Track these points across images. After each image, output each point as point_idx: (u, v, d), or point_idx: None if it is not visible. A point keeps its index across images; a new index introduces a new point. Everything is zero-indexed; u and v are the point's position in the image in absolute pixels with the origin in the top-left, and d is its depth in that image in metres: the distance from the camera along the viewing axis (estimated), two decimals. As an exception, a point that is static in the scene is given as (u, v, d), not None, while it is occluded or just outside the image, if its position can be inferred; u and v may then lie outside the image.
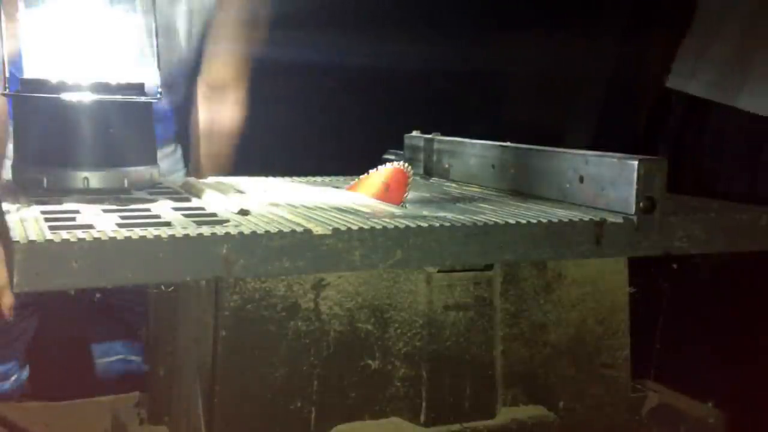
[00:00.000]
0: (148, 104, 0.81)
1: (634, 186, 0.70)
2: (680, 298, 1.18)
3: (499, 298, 0.75)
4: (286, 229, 0.61)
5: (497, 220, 0.67)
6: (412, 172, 0.83)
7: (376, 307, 0.71)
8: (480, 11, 1.83)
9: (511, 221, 0.67)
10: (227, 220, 0.64)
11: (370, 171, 0.86)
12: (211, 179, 0.94)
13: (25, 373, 1.35)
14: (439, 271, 0.72)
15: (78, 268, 0.55)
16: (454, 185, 0.96)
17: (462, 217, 0.68)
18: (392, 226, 0.63)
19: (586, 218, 0.70)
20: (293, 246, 0.60)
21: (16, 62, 0.81)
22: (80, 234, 0.56)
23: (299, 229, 0.61)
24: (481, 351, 0.74)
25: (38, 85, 0.77)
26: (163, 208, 0.72)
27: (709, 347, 1.34)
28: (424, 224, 0.64)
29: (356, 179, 0.88)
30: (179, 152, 1.44)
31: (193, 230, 0.59)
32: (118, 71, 0.80)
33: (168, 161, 1.40)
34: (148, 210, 0.70)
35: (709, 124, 1.49)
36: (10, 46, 0.79)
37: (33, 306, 1.32)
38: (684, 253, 0.74)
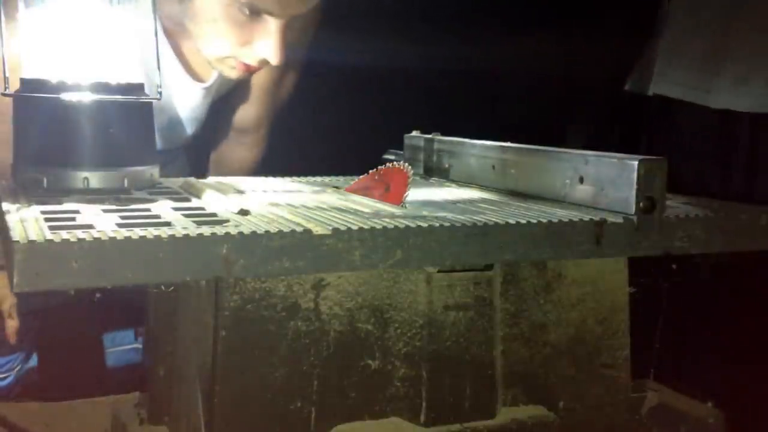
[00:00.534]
0: (148, 104, 0.81)
1: (634, 186, 0.70)
2: (680, 298, 1.18)
3: (499, 298, 0.75)
4: (286, 229, 0.61)
5: (497, 220, 0.67)
6: (412, 172, 0.83)
7: (376, 307, 0.71)
8: (480, 11, 1.83)
9: (511, 221, 0.67)
10: (227, 220, 0.64)
11: (370, 171, 0.86)
12: (211, 179, 0.94)
13: (32, 362, 1.35)
14: (439, 271, 0.72)
15: (78, 268, 0.55)
16: (454, 185, 0.96)
17: (462, 217, 0.68)
18: (392, 226, 0.63)
19: (586, 218, 0.70)
20: (293, 246, 0.60)
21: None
22: (80, 234, 0.56)
23: (299, 229, 0.61)
24: (481, 351, 0.74)
25: (38, 85, 0.77)
26: (163, 208, 0.72)
27: (709, 347, 1.34)
28: (424, 224, 0.64)
29: (356, 179, 0.88)
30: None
31: (193, 230, 0.59)
32: (118, 71, 0.80)
33: None
34: (148, 210, 0.70)
35: (673, 123, 1.51)
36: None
37: (40, 312, 1.32)
38: (684, 253, 0.74)
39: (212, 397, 0.67)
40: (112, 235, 0.57)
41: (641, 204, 0.70)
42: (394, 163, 0.84)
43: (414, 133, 1.08)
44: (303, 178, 1.00)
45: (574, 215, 0.71)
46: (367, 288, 0.71)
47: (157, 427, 0.82)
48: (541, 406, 0.77)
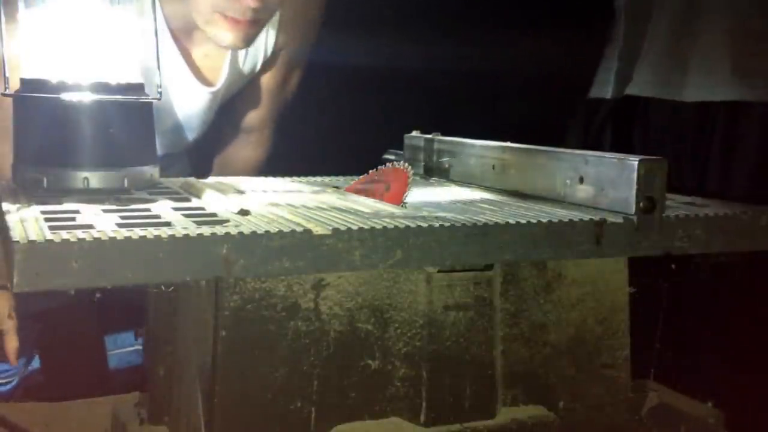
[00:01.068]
0: (148, 104, 0.81)
1: (634, 186, 0.70)
2: (680, 298, 1.18)
3: (499, 298, 0.75)
4: (286, 229, 0.61)
5: (497, 220, 0.67)
6: (412, 172, 0.83)
7: (376, 307, 0.71)
8: (481, 11, 1.83)
9: (511, 221, 0.67)
10: (227, 220, 0.64)
11: (370, 171, 0.86)
12: (211, 179, 0.94)
13: (34, 364, 1.35)
14: (439, 271, 0.72)
15: (78, 268, 0.55)
16: (454, 185, 0.96)
17: (462, 217, 0.68)
18: (392, 226, 0.63)
19: (586, 218, 0.70)
20: (293, 246, 0.60)
21: None
22: (80, 234, 0.56)
23: (299, 229, 0.61)
24: (481, 351, 0.74)
25: (38, 85, 0.77)
26: (163, 208, 0.72)
27: (709, 347, 1.34)
28: (424, 224, 0.64)
29: (356, 179, 0.88)
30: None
31: (193, 230, 0.59)
32: (118, 71, 0.80)
33: None
34: (148, 210, 0.70)
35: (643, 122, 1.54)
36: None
37: (41, 315, 1.31)
38: (684, 253, 0.74)
39: (212, 397, 0.67)
40: (112, 235, 0.57)
41: (641, 204, 0.70)
42: (394, 163, 0.84)
43: (414, 133, 1.08)
44: (303, 178, 1.00)
45: (574, 215, 0.71)
46: (367, 288, 0.71)
47: (157, 427, 0.82)
48: (541, 406, 0.77)
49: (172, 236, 0.58)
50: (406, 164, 0.83)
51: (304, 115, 1.58)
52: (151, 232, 0.58)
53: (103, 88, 0.77)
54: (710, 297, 1.32)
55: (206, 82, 1.30)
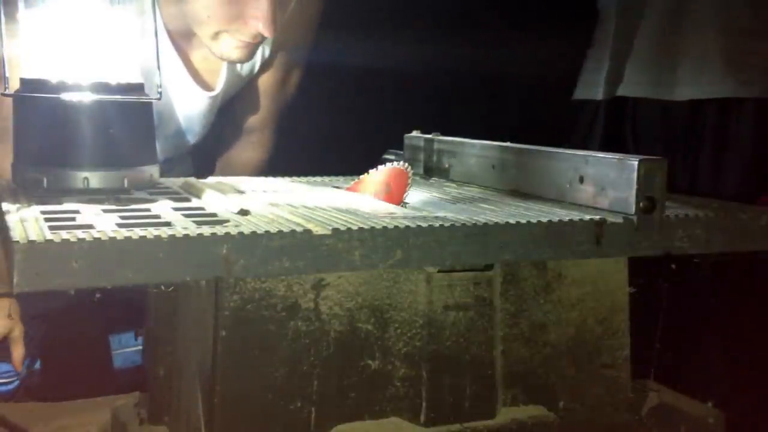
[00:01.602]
0: (148, 104, 0.81)
1: (634, 186, 0.70)
2: (680, 298, 1.18)
3: (499, 298, 0.75)
4: (286, 229, 0.61)
5: (497, 220, 0.67)
6: (412, 172, 0.83)
7: (376, 307, 0.71)
8: (481, 11, 1.83)
9: (511, 221, 0.67)
10: (227, 220, 0.64)
11: (370, 171, 0.86)
12: (211, 179, 0.94)
13: (36, 365, 1.35)
14: (439, 271, 0.72)
15: (78, 268, 0.55)
16: (454, 185, 0.96)
17: (462, 217, 0.68)
18: (392, 226, 0.63)
19: (586, 218, 0.70)
20: (293, 246, 0.60)
21: None
22: (80, 234, 0.56)
23: (299, 229, 0.61)
24: (481, 351, 0.74)
25: (38, 85, 0.77)
26: (163, 208, 0.72)
27: (709, 347, 1.34)
28: (424, 224, 0.64)
29: (356, 179, 0.88)
30: None
31: (193, 230, 0.59)
32: (118, 71, 0.80)
33: None
34: (148, 210, 0.70)
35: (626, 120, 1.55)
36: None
37: (43, 316, 1.31)
38: (684, 253, 0.74)
39: (212, 397, 0.67)
40: (112, 235, 0.57)
41: (641, 204, 0.70)
42: (394, 163, 0.84)
43: (414, 133, 1.08)
44: (303, 178, 1.00)
45: (574, 215, 0.71)
46: (367, 288, 0.71)
47: (157, 427, 0.82)
48: (541, 406, 0.77)
49: (172, 236, 0.58)
50: (406, 164, 0.83)
51: (304, 115, 1.58)
52: (151, 232, 0.58)
53: (103, 88, 0.77)
54: (710, 297, 1.32)
55: (205, 85, 1.30)
